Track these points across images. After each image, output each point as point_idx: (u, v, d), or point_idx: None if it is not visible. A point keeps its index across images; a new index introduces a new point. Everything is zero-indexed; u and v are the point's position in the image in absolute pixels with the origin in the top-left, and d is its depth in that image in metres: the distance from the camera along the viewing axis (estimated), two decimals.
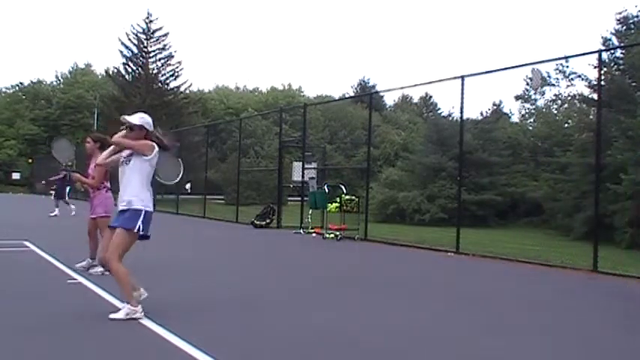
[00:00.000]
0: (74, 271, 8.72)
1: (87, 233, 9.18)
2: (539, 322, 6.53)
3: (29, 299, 6.82)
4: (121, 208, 5.99)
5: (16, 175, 55.76)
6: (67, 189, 23.77)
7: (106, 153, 6.56)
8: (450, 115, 39.41)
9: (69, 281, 8.06)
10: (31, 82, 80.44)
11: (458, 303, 7.54)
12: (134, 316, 5.74)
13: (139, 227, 5.89)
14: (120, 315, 5.75)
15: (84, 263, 9.01)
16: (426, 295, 8.15)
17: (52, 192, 23.12)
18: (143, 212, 5.94)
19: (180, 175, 7.26)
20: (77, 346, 4.96)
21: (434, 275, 10.62)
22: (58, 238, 14.20)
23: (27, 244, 12.12)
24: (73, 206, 22.48)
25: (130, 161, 6.06)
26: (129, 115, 6.24)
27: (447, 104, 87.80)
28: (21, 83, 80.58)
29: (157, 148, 6.10)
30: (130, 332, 5.45)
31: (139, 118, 6.17)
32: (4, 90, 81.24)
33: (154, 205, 6.32)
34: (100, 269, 8.61)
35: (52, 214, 21.77)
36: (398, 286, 8.94)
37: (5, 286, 7.57)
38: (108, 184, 9.05)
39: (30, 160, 65.63)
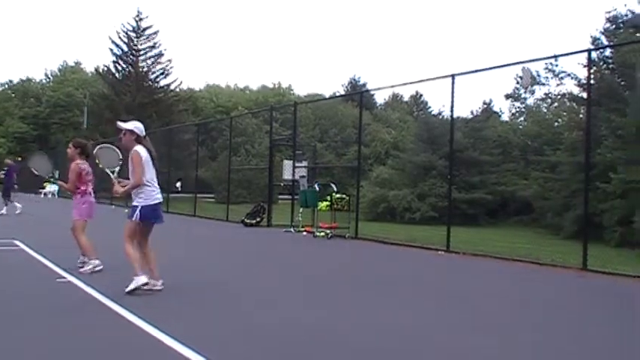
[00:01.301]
0: (63, 269, 8.69)
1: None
2: (529, 320, 6.56)
3: (20, 297, 6.81)
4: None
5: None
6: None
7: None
8: (440, 113, 39.52)
9: (58, 280, 8.04)
10: (21, 79, 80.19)
11: (448, 301, 7.55)
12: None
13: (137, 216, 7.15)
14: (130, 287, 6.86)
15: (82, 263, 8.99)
16: (417, 294, 8.18)
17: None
18: (139, 207, 7.19)
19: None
20: (67, 343, 4.95)
21: (425, 274, 10.64)
22: (46, 236, 14.12)
23: (17, 242, 12.08)
24: (18, 204, 21.57)
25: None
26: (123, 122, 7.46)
27: (438, 103, 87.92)
28: (10, 81, 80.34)
29: (142, 155, 7.21)
30: (120, 329, 5.45)
31: (130, 125, 7.34)
32: None
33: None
34: (89, 267, 8.69)
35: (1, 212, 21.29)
36: (389, 284, 8.95)
37: None
38: (85, 188, 9.03)
39: (19, 159, 65.32)
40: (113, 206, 27.21)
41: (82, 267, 8.81)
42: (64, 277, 8.14)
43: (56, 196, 42.15)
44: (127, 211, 7.36)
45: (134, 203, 7.16)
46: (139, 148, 7.16)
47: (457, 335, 5.71)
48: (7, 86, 79.70)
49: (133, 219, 7.08)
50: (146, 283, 6.95)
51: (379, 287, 8.55)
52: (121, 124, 7.36)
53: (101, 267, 8.69)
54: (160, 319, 5.73)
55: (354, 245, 14.72)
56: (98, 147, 8.57)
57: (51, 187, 42.56)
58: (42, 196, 43.27)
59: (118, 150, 8.29)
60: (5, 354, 4.66)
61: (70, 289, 7.42)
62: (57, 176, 9.25)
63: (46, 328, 5.47)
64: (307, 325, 5.91)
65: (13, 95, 76.62)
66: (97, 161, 8.19)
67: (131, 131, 7.24)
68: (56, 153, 53.94)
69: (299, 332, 5.62)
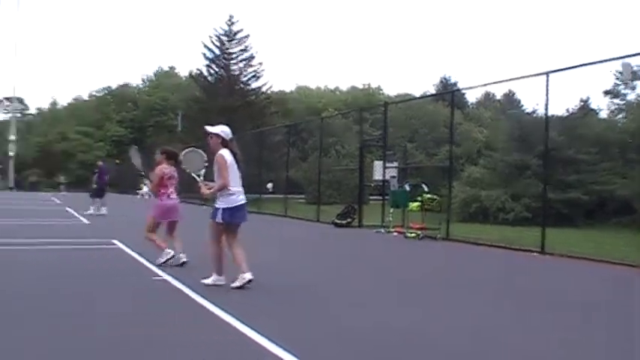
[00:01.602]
0: (160, 268, 9.00)
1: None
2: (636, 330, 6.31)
3: (117, 295, 7.10)
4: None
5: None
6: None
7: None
8: (534, 111, 38.51)
9: (154, 278, 8.32)
10: (119, 85, 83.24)
11: (545, 306, 7.37)
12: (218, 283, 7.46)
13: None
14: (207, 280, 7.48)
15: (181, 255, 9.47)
16: (510, 297, 8.01)
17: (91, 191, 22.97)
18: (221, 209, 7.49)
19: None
20: (161, 338, 5.13)
21: (518, 276, 10.42)
22: (142, 236, 14.56)
23: (115, 241, 12.56)
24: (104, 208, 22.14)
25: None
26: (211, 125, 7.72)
27: (531, 101, 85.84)
28: (109, 87, 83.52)
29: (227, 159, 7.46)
30: (213, 326, 5.60)
31: (217, 129, 7.60)
32: (93, 94, 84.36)
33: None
34: (163, 259, 9.27)
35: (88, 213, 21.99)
36: (481, 286, 8.84)
37: (95, 283, 7.88)
38: (164, 191, 9.62)
39: (117, 161, 67.83)
40: (204, 207, 27.76)
41: (178, 263, 9.25)
42: (159, 276, 8.41)
43: (152, 196, 43.44)
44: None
45: (217, 205, 7.42)
46: (224, 152, 7.40)
47: (551, 342, 5.57)
48: (106, 92, 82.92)
49: (216, 220, 7.38)
50: (250, 280, 7.28)
51: (472, 289, 8.45)
52: (209, 128, 7.64)
53: (172, 254, 9.26)
54: (251, 317, 5.86)
55: (445, 246, 14.57)
56: (184, 152, 8.91)
57: (147, 188, 43.95)
58: (139, 196, 44.75)
59: (203, 152, 8.63)
60: (111, 350, 4.87)
61: (166, 287, 7.66)
62: (146, 173, 9.70)
63: (142, 325, 5.68)
64: (399, 329, 5.89)
65: (112, 100, 79.66)
66: (183, 166, 8.55)
67: (217, 135, 7.50)
68: (151, 155, 55.74)
69: (390, 335, 5.60)
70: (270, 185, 29.48)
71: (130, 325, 5.68)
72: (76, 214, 21.84)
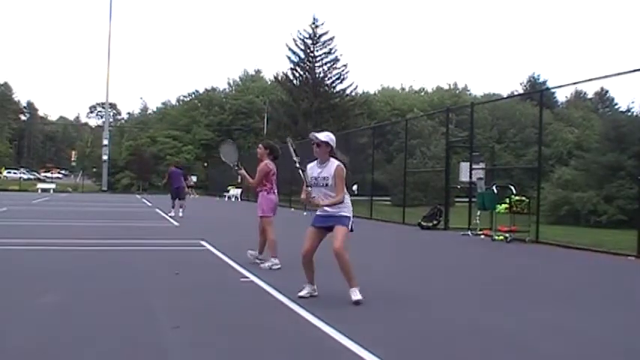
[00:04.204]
0: (247, 269, 9.12)
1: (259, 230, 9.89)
2: None
3: (207, 295, 7.24)
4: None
5: (193, 178, 59.22)
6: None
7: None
8: (629, 110, 37.22)
9: (242, 279, 8.43)
10: (206, 89, 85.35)
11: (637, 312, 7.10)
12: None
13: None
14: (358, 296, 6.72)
15: (254, 252, 9.76)
16: (603, 302, 7.74)
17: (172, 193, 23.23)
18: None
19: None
20: (248, 341, 5.20)
21: (612, 280, 10.06)
22: (229, 237, 14.84)
23: (203, 243, 12.83)
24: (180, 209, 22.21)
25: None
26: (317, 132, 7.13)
27: (626, 99, 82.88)
28: (196, 91, 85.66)
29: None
30: (303, 330, 5.63)
31: (324, 136, 6.98)
32: (182, 98, 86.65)
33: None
34: (268, 264, 9.25)
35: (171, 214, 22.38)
36: (571, 290, 8.59)
37: (186, 283, 8.07)
38: (270, 186, 9.65)
39: (205, 164, 69.37)
40: (292, 209, 28.05)
41: (260, 262, 9.40)
42: (247, 277, 8.52)
43: (239, 199, 44.25)
44: (305, 214, 7.58)
45: (345, 213, 6.94)
46: (340, 164, 6.96)
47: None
48: (193, 96, 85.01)
49: (349, 229, 6.94)
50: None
51: (561, 293, 8.22)
52: (316, 135, 7.03)
53: (279, 266, 9.19)
54: (336, 319, 5.88)
55: (534, 249, 14.20)
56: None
57: (234, 191, 44.80)
58: (226, 199, 45.63)
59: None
60: (189, 350, 4.97)
61: (254, 289, 7.75)
62: (240, 166, 9.56)
63: (227, 327, 5.77)
64: (488, 332, 5.78)
65: (199, 104, 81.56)
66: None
67: (327, 143, 6.91)
68: (239, 157, 56.74)
69: (480, 338, 5.52)
70: (355, 187, 29.50)
71: (215, 324, 5.80)
72: (166, 216, 22.44)
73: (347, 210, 7.02)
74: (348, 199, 7.08)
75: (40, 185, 61.17)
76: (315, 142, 6.95)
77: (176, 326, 5.55)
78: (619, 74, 14.03)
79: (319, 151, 6.95)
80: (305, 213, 26.25)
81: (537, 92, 42.52)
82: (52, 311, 6.17)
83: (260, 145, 10.04)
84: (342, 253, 6.73)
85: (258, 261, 9.61)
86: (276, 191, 9.78)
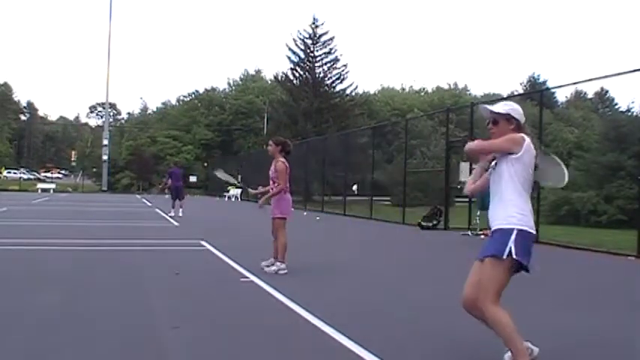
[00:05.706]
0: (247, 269, 9.09)
1: (271, 233, 9.39)
2: None
3: (207, 295, 7.24)
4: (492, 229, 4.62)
5: (193, 178, 59.30)
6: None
7: (471, 178, 5.12)
8: (629, 110, 37.18)
9: (242, 279, 8.41)
10: (206, 89, 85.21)
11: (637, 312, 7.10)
12: None
13: (509, 251, 4.34)
14: None
15: (267, 263, 9.23)
16: (602, 301, 7.75)
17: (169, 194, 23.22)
18: (515, 231, 4.39)
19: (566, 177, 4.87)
20: (244, 341, 5.20)
21: (612, 281, 10.06)
22: (229, 238, 14.83)
23: (203, 243, 12.82)
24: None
25: (495, 168, 4.70)
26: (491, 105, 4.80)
27: (626, 99, 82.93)
28: (196, 91, 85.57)
29: (527, 141, 4.48)
30: (303, 331, 5.63)
31: (502, 105, 4.68)
32: (182, 98, 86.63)
33: None
34: (274, 268, 8.99)
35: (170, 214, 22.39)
36: (571, 290, 8.58)
37: (186, 283, 8.07)
38: (287, 185, 9.23)
39: (205, 164, 69.34)
40: (305, 213, 27.77)
41: (268, 266, 9.09)
42: (247, 277, 8.51)
43: (239, 199, 44.26)
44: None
45: (503, 224, 4.55)
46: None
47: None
48: (193, 96, 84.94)
49: (503, 256, 4.40)
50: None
51: (563, 293, 8.23)
52: (488, 107, 4.78)
53: (286, 271, 8.85)
54: (342, 323, 5.85)
55: (534, 249, 14.15)
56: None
57: (234, 191, 44.79)
58: (226, 199, 45.63)
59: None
60: (189, 350, 4.97)
61: (254, 289, 7.74)
62: (240, 181, 9.52)
63: (227, 327, 5.77)
64: (488, 335, 5.78)
65: (199, 104, 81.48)
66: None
67: (507, 116, 4.68)
68: (238, 158, 56.78)
69: (479, 346, 5.50)
70: (355, 187, 29.49)
71: (214, 324, 5.80)
72: (166, 216, 22.44)
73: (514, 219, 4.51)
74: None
75: (40, 185, 61.06)
76: (490, 121, 4.70)
77: (176, 326, 5.55)
78: (619, 74, 14.03)
79: (497, 130, 4.65)
80: (305, 213, 26.25)
81: (537, 92, 42.42)
82: (52, 311, 6.18)
83: (270, 142, 9.57)
84: (482, 303, 4.61)
85: (275, 267, 9.03)
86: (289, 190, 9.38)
